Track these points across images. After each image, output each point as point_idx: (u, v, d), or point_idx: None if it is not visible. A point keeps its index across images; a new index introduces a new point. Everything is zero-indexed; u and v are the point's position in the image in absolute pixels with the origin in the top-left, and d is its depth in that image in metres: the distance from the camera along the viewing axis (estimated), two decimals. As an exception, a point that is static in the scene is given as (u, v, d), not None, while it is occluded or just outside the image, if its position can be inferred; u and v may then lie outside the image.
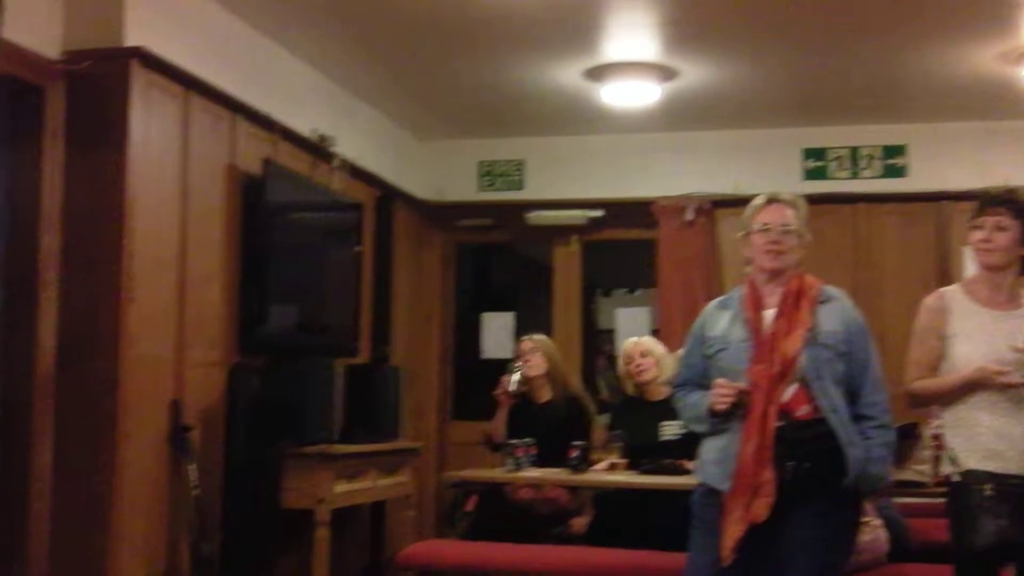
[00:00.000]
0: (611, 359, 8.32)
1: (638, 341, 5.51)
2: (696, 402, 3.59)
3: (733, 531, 3.37)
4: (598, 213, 7.86)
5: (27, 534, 4.51)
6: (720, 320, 3.63)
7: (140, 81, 4.89)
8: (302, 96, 6.38)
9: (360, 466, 5.66)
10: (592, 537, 5.16)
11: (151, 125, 4.96)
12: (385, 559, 6.49)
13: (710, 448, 3.58)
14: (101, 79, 4.82)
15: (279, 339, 5.75)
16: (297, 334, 5.98)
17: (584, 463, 5.04)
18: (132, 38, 4.87)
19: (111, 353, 4.67)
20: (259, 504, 5.20)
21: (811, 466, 3.37)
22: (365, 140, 7.13)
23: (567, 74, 6.60)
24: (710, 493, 3.51)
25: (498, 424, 5.64)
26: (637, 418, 5.34)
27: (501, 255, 8.84)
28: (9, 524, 4.53)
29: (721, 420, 3.50)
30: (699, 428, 3.63)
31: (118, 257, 4.73)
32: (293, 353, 5.68)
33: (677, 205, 7.62)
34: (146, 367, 4.83)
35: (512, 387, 5.57)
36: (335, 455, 5.38)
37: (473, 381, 7.75)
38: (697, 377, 3.64)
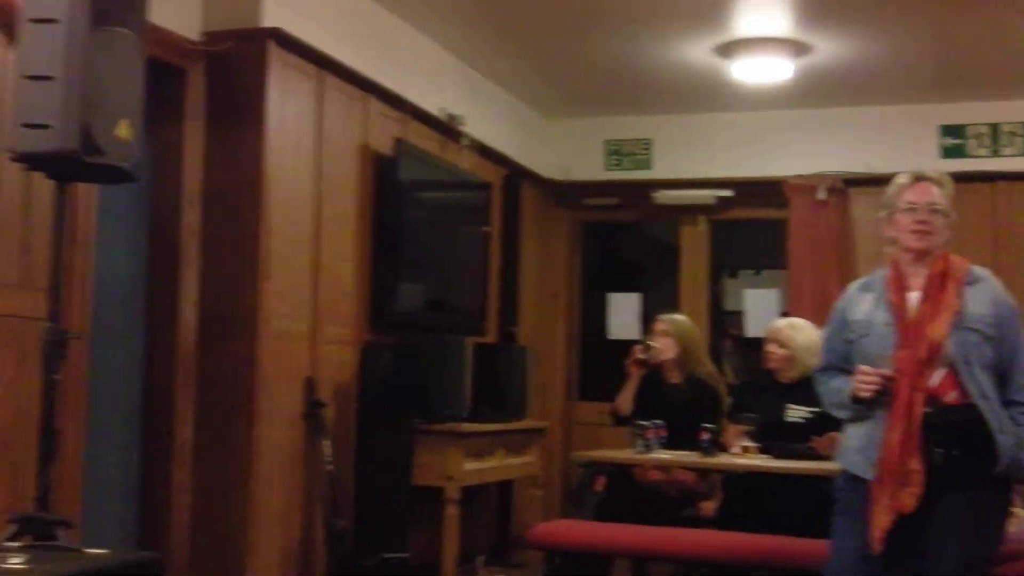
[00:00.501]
0: (737, 341, 8.20)
1: (785, 326, 5.37)
2: (838, 388, 3.50)
3: (881, 520, 3.28)
4: (727, 192, 7.73)
5: (169, 507, 4.64)
6: (862, 303, 3.53)
7: (276, 62, 4.95)
8: (432, 75, 6.41)
9: (488, 445, 5.70)
10: (722, 521, 5.10)
11: (287, 105, 5.03)
12: (512, 537, 6.52)
13: (853, 435, 3.49)
14: (239, 60, 4.91)
15: (409, 317, 5.81)
16: (426, 312, 6.03)
17: (715, 446, 4.98)
18: (269, 19, 4.94)
19: (249, 331, 4.76)
20: (390, 481, 5.26)
21: (960, 454, 3.26)
22: (493, 119, 7.13)
23: (696, 51, 6.50)
24: (854, 479, 3.42)
25: (625, 396, 5.61)
26: (763, 398, 5.25)
27: (627, 234, 8.76)
28: (152, 496, 4.67)
29: (865, 407, 3.41)
30: (841, 414, 3.55)
31: (256, 236, 4.82)
32: (422, 331, 5.73)
33: (809, 184, 7.45)
34: (282, 344, 4.91)
35: (642, 355, 5.53)
36: (464, 433, 5.42)
37: (599, 361, 7.72)
38: (839, 361, 3.55)
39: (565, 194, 8.12)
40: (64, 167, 3.25)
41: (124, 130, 3.28)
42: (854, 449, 3.46)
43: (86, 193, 3.83)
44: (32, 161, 3.23)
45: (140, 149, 3.34)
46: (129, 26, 3.34)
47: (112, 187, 3.94)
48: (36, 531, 3.06)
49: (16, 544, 2.99)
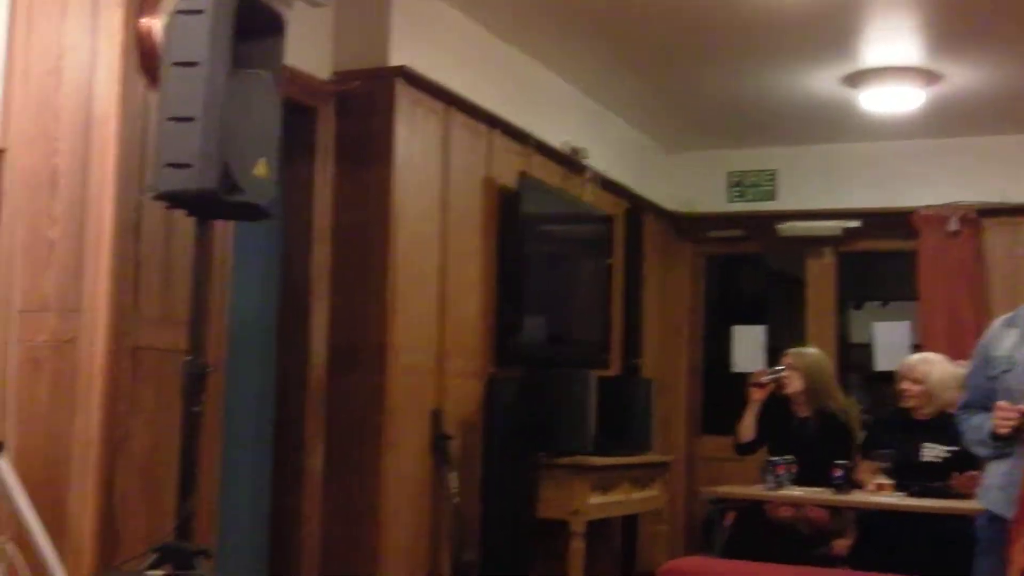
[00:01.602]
0: (864, 375, 8.02)
1: (919, 362, 5.24)
2: (979, 425, 3.39)
3: (1019, 560, 3.16)
4: (855, 223, 7.59)
5: (300, 537, 4.71)
6: (1005, 339, 3.42)
7: (404, 99, 5.04)
8: (555, 109, 6.44)
9: (613, 478, 5.66)
10: (856, 560, 4.97)
11: (414, 141, 5.11)
12: (637, 572, 6.46)
13: (994, 472, 3.38)
14: (368, 98, 5.00)
15: (533, 350, 5.81)
16: (550, 345, 6.03)
17: (848, 483, 4.87)
18: (396, 57, 5.02)
19: (378, 363, 4.82)
20: (516, 513, 5.26)
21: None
22: (615, 152, 7.14)
23: (823, 81, 6.41)
24: (996, 519, 3.31)
25: (747, 422, 5.53)
26: (899, 436, 5.12)
27: (751, 266, 8.66)
28: (283, 526, 4.75)
29: (1004, 444, 3.29)
30: (982, 452, 3.43)
31: (384, 270, 4.88)
32: (546, 365, 5.73)
33: (940, 215, 7.27)
34: (409, 377, 4.96)
35: (764, 379, 5.46)
36: (589, 467, 5.39)
37: (722, 395, 7.62)
38: (982, 399, 3.43)
39: (687, 226, 8.07)
40: (204, 205, 3.34)
41: (261, 168, 3.36)
42: (996, 487, 3.34)
43: (223, 230, 3.93)
44: (174, 199, 3.32)
45: (275, 187, 3.42)
46: (266, 68, 3.43)
47: (246, 223, 4.05)
48: (176, 560, 3.14)
49: (158, 573, 3.06)
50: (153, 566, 3.12)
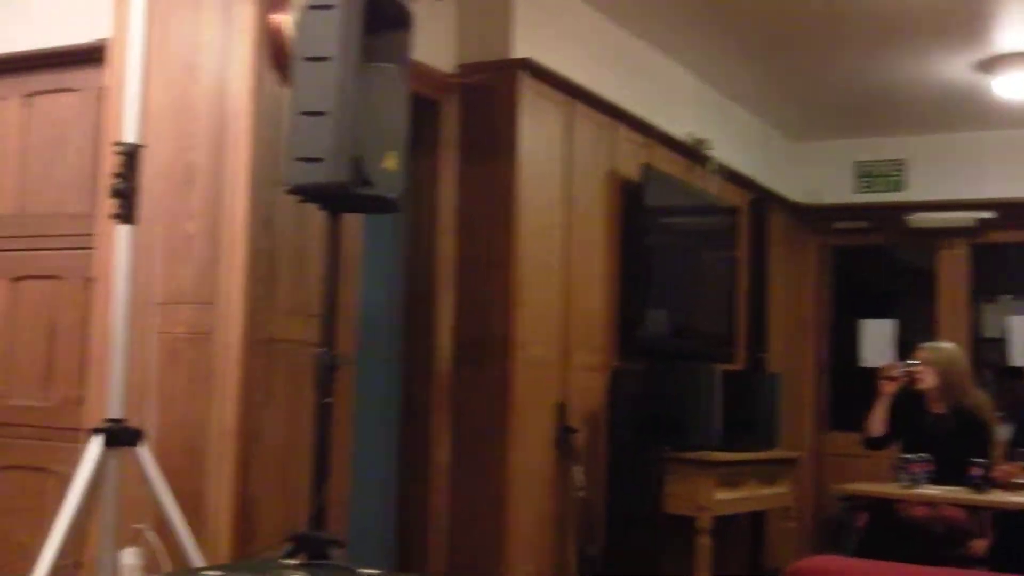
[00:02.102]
0: (998, 370, 7.75)
1: None
2: None
3: None
4: (989, 214, 7.34)
5: (426, 529, 4.74)
6: None
7: (528, 91, 5.02)
8: (679, 100, 6.37)
9: (740, 474, 5.57)
10: (994, 561, 4.80)
11: (538, 134, 5.09)
12: (765, 570, 6.35)
13: None
14: (491, 91, 5.00)
15: (656, 343, 5.76)
16: (674, 338, 5.96)
17: (987, 482, 4.71)
18: (520, 50, 5.01)
19: (503, 356, 4.82)
20: (641, 508, 5.21)
21: None
22: (739, 142, 7.03)
23: (954, 67, 6.22)
24: None
25: (877, 417, 5.39)
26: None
27: (879, 259, 8.44)
28: (410, 518, 4.79)
29: None
30: None
31: (508, 262, 4.88)
32: (670, 358, 5.67)
33: (1080, 204, 7.00)
34: (534, 370, 4.95)
35: (896, 373, 5.31)
36: (716, 462, 5.32)
37: (850, 390, 7.45)
38: None
39: (813, 218, 7.91)
40: (335, 199, 3.37)
41: (391, 162, 3.38)
42: None
43: (353, 223, 3.96)
44: (306, 193, 3.36)
45: (404, 180, 3.43)
46: (394, 61, 3.44)
47: (373, 217, 4.09)
48: (311, 550, 3.17)
49: (293, 562, 3.10)
50: (288, 555, 3.16)
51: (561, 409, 5.10)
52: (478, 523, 4.76)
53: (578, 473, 5.02)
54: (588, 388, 5.36)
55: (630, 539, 5.21)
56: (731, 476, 5.48)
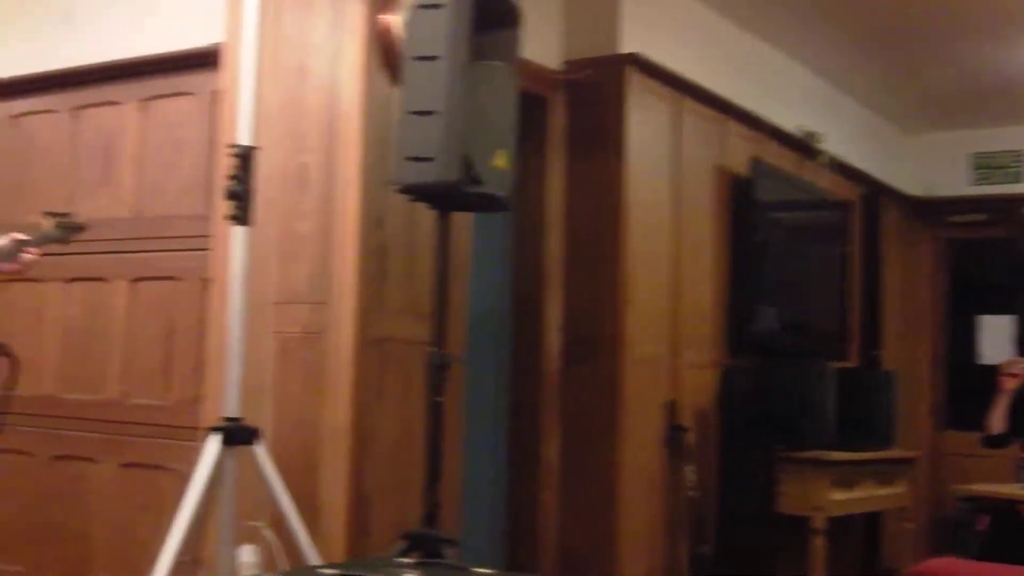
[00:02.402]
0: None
1: None
2: None
3: None
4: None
5: (537, 528, 4.73)
6: None
7: (635, 87, 4.97)
8: (788, 93, 6.25)
9: (855, 474, 5.45)
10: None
11: (645, 129, 5.04)
12: (881, 572, 6.21)
13: None
14: (598, 86, 4.96)
15: (767, 340, 5.66)
16: (785, 335, 5.86)
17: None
18: (627, 45, 4.96)
19: (612, 353, 4.78)
20: (754, 508, 5.14)
21: None
22: (851, 135, 6.88)
23: (1079, 53, 6.00)
24: None
25: (997, 414, 5.22)
26: None
27: (998, 252, 8.18)
28: (520, 517, 4.77)
29: None
30: None
31: (617, 259, 4.84)
32: (781, 355, 5.57)
33: None
34: (644, 368, 4.90)
35: (1018, 369, 5.14)
36: (831, 462, 5.21)
37: (968, 388, 7.24)
38: None
39: (928, 211, 7.71)
40: (446, 198, 3.37)
41: (501, 160, 3.37)
42: None
43: (462, 222, 3.96)
44: (416, 192, 3.36)
45: (513, 178, 3.41)
46: (502, 59, 3.43)
47: (481, 215, 4.08)
48: (425, 548, 3.18)
49: (408, 560, 3.11)
50: (402, 553, 3.17)
51: (671, 407, 5.04)
52: (589, 522, 4.73)
53: (689, 472, 4.96)
54: (698, 386, 5.29)
55: (742, 539, 5.14)
56: (846, 476, 5.36)
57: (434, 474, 3.27)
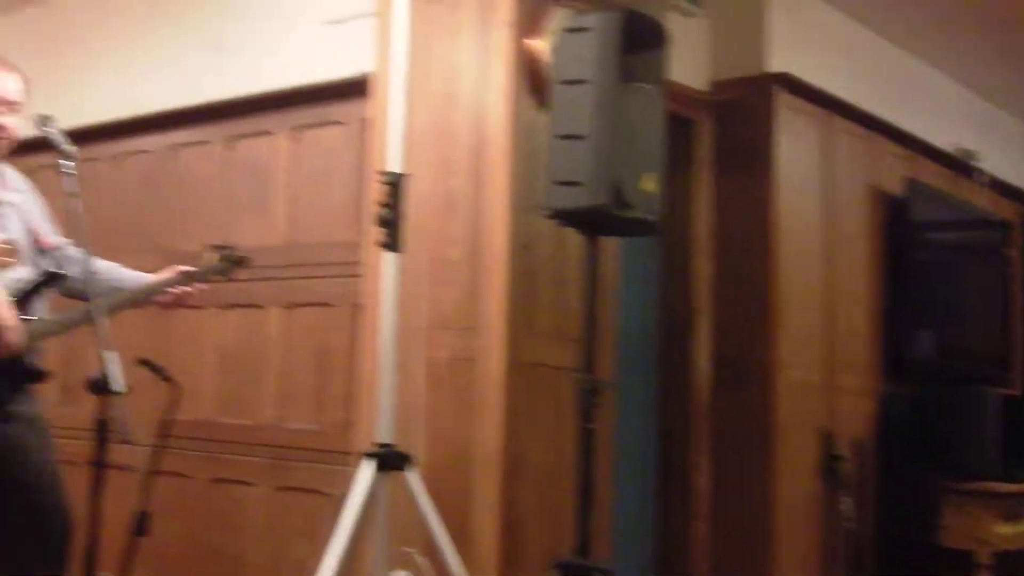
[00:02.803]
0: None
1: None
2: None
3: None
4: None
5: (688, 558, 4.63)
6: None
7: (783, 106, 4.88)
8: (942, 110, 6.06)
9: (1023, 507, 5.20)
10: None
11: (794, 149, 4.93)
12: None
13: None
14: (746, 107, 4.89)
15: (926, 366, 5.47)
16: (944, 361, 5.64)
17: None
18: (775, 64, 4.87)
19: (764, 380, 4.67)
20: (914, 540, 4.94)
21: None
22: (1009, 153, 6.63)
23: None
24: None
25: None
26: None
27: None
28: (671, 547, 4.69)
29: None
30: None
31: (768, 282, 4.74)
32: (938, 381, 5.37)
33: None
34: (797, 393, 4.78)
35: None
36: (997, 493, 4.98)
37: None
38: None
39: (1094, 230, 7.35)
40: (595, 222, 3.32)
41: (649, 183, 3.32)
42: None
43: (610, 245, 3.93)
44: (565, 217, 3.33)
45: (662, 201, 3.36)
46: (650, 81, 3.38)
47: (629, 238, 4.03)
48: (577, 577, 3.13)
49: (561, 589, 3.07)
50: (555, 582, 3.13)
51: (826, 435, 4.89)
52: (742, 553, 4.61)
53: (846, 503, 4.80)
54: (854, 413, 5.13)
55: (902, 572, 4.94)
56: (1015, 509, 5.12)
57: (586, 502, 3.22)
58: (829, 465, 4.85)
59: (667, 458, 4.75)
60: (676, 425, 4.75)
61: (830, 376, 5.01)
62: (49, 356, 3.05)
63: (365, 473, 3.15)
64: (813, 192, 5.05)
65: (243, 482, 4.42)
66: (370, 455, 3.18)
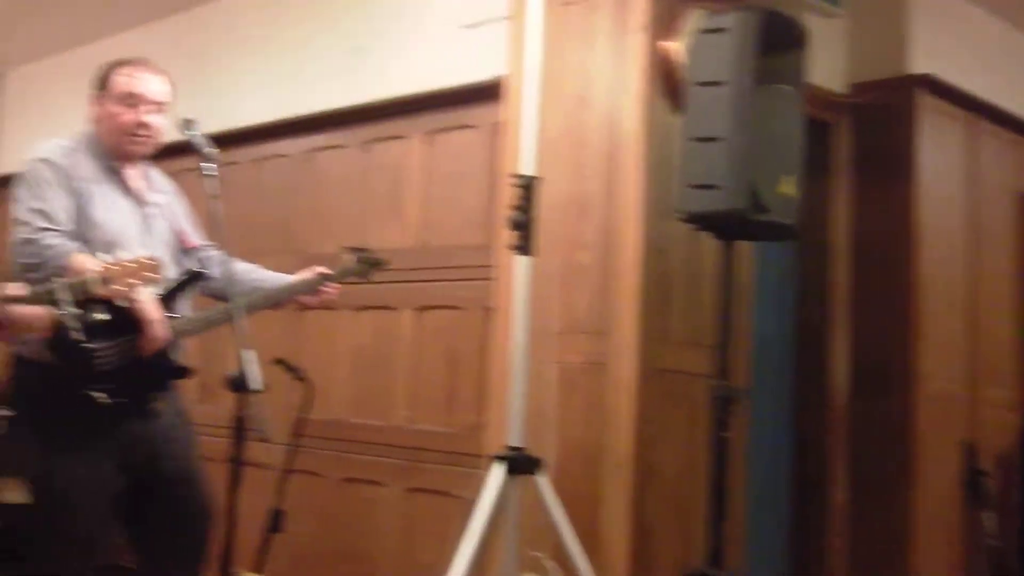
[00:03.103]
0: None
1: None
2: None
3: None
4: None
5: (825, 566, 4.52)
6: None
7: (926, 109, 4.73)
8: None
9: None
10: None
11: (937, 153, 4.78)
12: None
13: None
14: (887, 110, 4.75)
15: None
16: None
17: None
18: (918, 65, 4.73)
19: (903, 390, 4.53)
20: (1064, 561, 4.74)
21: None
22: None
23: None
24: None
25: None
26: None
27: None
28: (806, 560, 4.57)
29: None
30: None
31: (908, 288, 4.60)
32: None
33: None
34: (938, 406, 4.62)
35: None
36: None
37: None
38: None
39: None
40: (731, 226, 3.27)
41: (787, 186, 3.25)
42: None
43: (745, 250, 3.85)
44: (700, 221, 3.28)
45: (800, 205, 3.28)
46: (788, 82, 3.31)
47: (764, 243, 3.95)
48: (710, 588, 3.08)
49: (693, 599, 3.02)
50: (686, 593, 3.08)
51: (969, 448, 4.72)
52: (880, 569, 4.47)
53: (989, 520, 4.63)
54: (998, 426, 4.94)
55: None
56: None
57: (719, 512, 3.15)
58: (972, 480, 4.68)
59: (802, 469, 4.64)
60: (812, 435, 4.63)
61: (973, 387, 4.84)
62: (189, 354, 3.12)
63: (495, 476, 3.15)
64: (956, 197, 4.88)
65: (374, 482, 4.47)
66: (500, 458, 3.17)
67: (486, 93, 4.25)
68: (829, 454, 4.58)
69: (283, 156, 5.23)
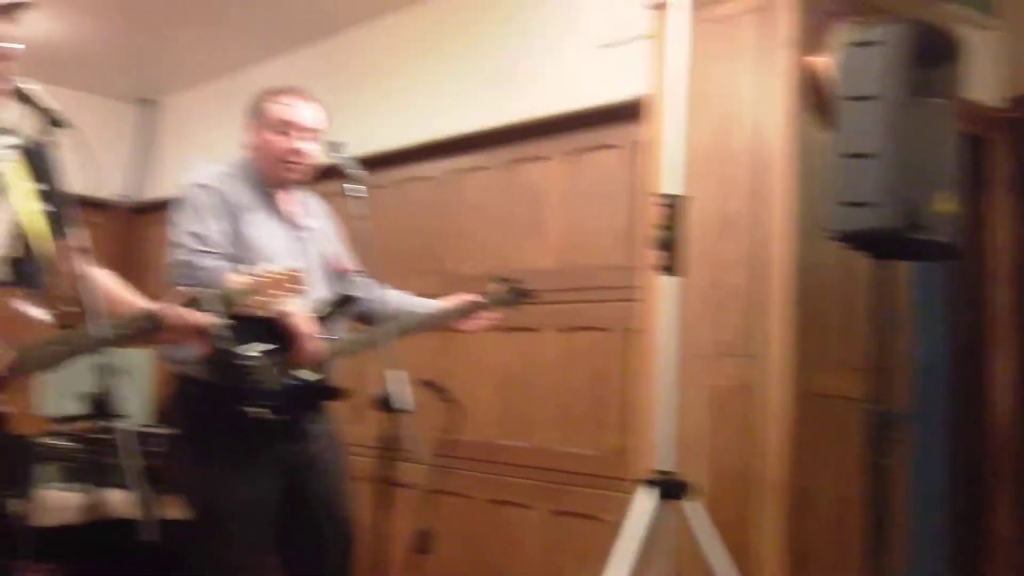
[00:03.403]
0: None
1: None
2: None
3: None
4: None
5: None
6: None
7: (1092, 121, 4.51)
8: None
9: None
10: None
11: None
12: None
13: None
14: (1046, 124, 4.55)
15: None
16: None
17: None
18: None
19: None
20: None
21: None
22: None
23: None
24: None
25: None
26: None
27: None
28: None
29: None
30: None
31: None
32: None
33: None
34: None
35: None
36: None
37: None
38: None
39: None
40: (886, 245, 3.17)
41: (945, 204, 3.13)
42: None
43: (903, 270, 3.72)
44: (853, 240, 3.19)
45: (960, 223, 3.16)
46: (942, 96, 3.20)
47: (921, 263, 3.82)
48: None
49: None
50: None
51: None
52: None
53: None
54: None
55: None
56: None
57: (880, 543, 3.04)
58: None
59: (963, 499, 4.44)
60: (970, 462, 4.44)
61: None
62: (342, 376, 3.16)
63: (643, 500, 3.10)
64: None
65: (521, 504, 4.46)
66: (650, 482, 3.12)
67: (626, 112, 4.23)
68: (990, 483, 4.38)
69: (427, 178, 5.29)
